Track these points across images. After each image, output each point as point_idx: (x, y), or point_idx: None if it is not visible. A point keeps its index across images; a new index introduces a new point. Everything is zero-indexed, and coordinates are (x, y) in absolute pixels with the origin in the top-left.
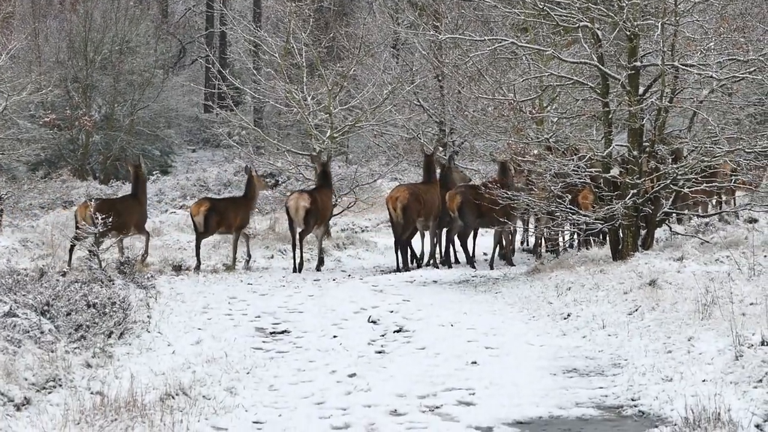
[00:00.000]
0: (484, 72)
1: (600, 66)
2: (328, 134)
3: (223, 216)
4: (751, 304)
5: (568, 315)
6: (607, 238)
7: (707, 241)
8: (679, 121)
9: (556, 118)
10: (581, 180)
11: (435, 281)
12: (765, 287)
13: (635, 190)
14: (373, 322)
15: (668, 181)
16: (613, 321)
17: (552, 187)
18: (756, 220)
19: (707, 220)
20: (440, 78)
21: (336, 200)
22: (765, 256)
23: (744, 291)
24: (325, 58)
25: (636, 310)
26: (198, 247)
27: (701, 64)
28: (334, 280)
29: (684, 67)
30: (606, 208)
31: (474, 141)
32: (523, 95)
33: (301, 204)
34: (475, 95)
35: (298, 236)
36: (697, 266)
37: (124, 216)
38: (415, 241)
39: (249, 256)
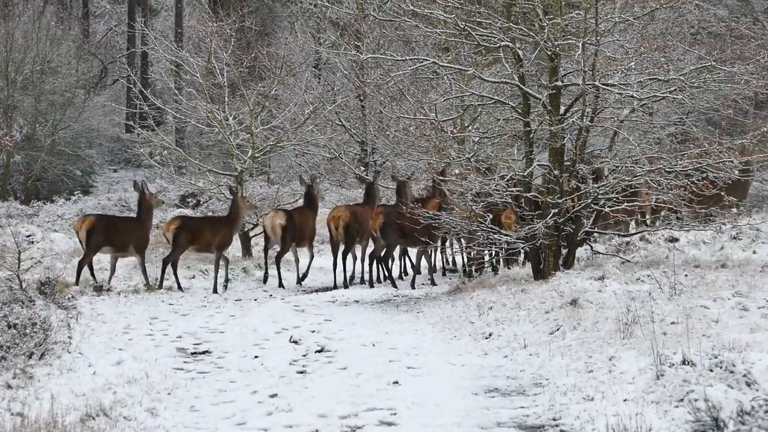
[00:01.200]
0: (406, 92)
1: (521, 86)
2: (249, 154)
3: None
4: (672, 323)
5: (490, 334)
6: (529, 258)
7: (628, 261)
8: (600, 140)
9: (478, 138)
10: (502, 200)
11: (357, 301)
12: (686, 306)
13: (556, 210)
14: (295, 342)
15: (589, 201)
16: (534, 340)
17: (473, 207)
18: (677, 240)
19: (628, 239)
20: (362, 98)
21: (258, 220)
22: (686, 275)
23: (665, 310)
24: (247, 77)
25: (557, 330)
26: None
27: (622, 84)
28: (255, 300)
29: (605, 87)
30: (527, 227)
31: (396, 160)
32: (444, 115)
33: (277, 222)
34: (396, 115)
35: (276, 256)
36: (619, 285)
37: (124, 235)
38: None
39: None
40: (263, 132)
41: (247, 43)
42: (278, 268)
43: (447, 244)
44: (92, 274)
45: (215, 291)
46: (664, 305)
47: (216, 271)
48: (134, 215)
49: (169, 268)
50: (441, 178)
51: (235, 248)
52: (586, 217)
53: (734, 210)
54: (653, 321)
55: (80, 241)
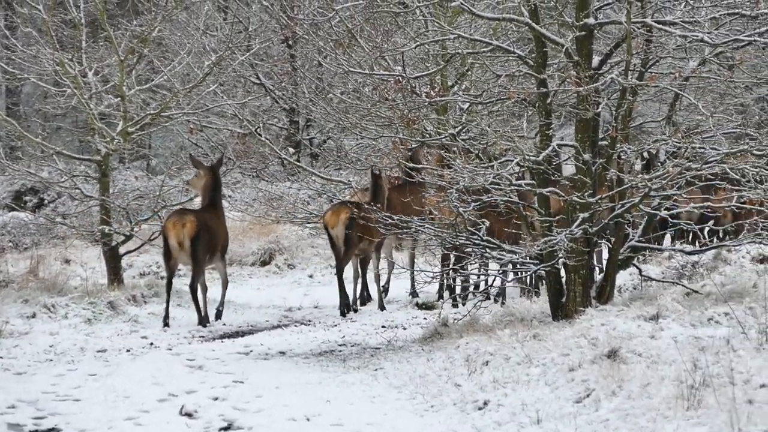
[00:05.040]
0: (358, 34)
1: (533, 24)
2: (119, 128)
3: None
4: (762, 386)
5: (485, 403)
6: (545, 286)
7: (696, 291)
8: (654, 107)
9: (467, 104)
10: (505, 198)
11: (283, 352)
12: None
13: (587, 213)
14: (188, 414)
15: (637, 200)
16: (553, 412)
17: (461, 209)
18: None
19: (696, 258)
20: (291, 43)
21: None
22: None
23: (752, 367)
24: (116, 12)
25: (588, 396)
26: None
27: (686, 22)
28: (128, 350)
29: (660, 27)
30: (543, 240)
31: (342, 138)
32: (417, 69)
33: (187, 230)
34: (344, 69)
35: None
36: (681, 329)
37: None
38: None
39: None
40: (140, 95)
41: None
42: (195, 298)
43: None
44: None
45: None
46: (749, 359)
47: None
48: None
49: None
50: (410, 165)
51: (97, 273)
52: (633, 225)
53: None
54: (733, 383)
55: None
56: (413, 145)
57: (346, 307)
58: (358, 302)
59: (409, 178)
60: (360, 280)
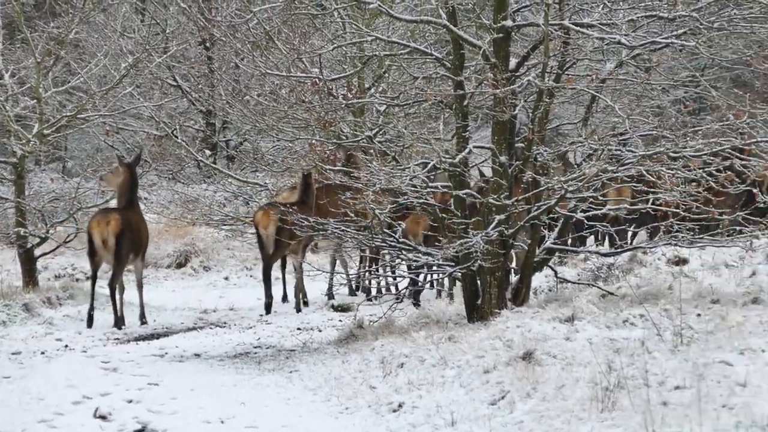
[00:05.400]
0: (276, 35)
1: (451, 26)
2: (35, 130)
3: None
4: (677, 388)
5: (400, 405)
6: (461, 288)
7: (611, 293)
8: (571, 110)
9: (384, 106)
10: (421, 200)
11: (198, 355)
12: (697, 363)
13: (503, 216)
14: (102, 417)
15: (553, 202)
16: (467, 414)
17: (378, 212)
18: (685, 261)
19: (612, 260)
20: (208, 45)
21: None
22: (698, 316)
23: (666, 368)
24: (33, 14)
25: (502, 398)
26: None
27: (604, 24)
28: (42, 353)
29: (578, 29)
30: (459, 242)
31: (259, 140)
32: (334, 71)
33: (111, 228)
34: (261, 71)
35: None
36: (596, 331)
37: None
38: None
39: None
40: (57, 97)
41: None
42: (113, 298)
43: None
44: None
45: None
46: (664, 361)
47: None
48: None
49: None
50: (334, 168)
51: (12, 275)
52: (549, 227)
53: None
54: (648, 385)
55: None
56: (330, 149)
57: (268, 307)
58: (301, 302)
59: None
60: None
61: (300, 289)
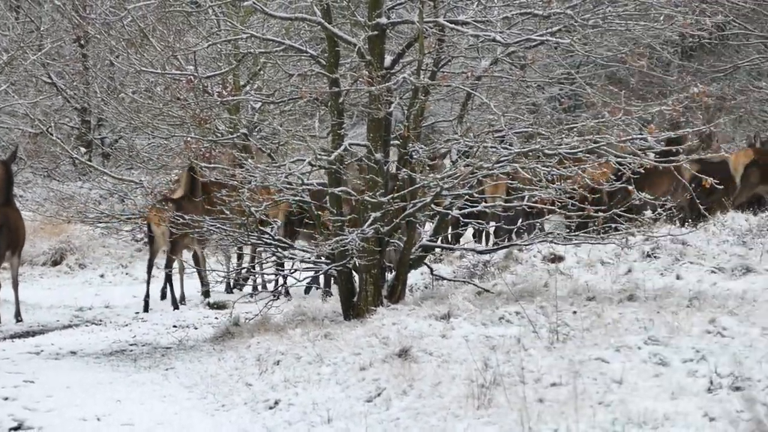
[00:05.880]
0: (150, 33)
1: (326, 24)
2: None
3: None
4: (553, 384)
5: (276, 403)
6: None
7: (487, 291)
8: (446, 107)
9: (259, 104)
10: (297, 198)
11: (74, 352)
12: (573, 360)
13: (378, 213)
14: None
15: (428, 200)
16: (343, 411)
17: (254, 209)
18: (561, 258)
19: (488, 257)
20: (82, 42)
21: None
22: (574, 313)
23: (542, 365)
24: None
25: (378, 395)
26: None
27: (479, 21)
28: None
29: (453, 26)
30: (334, 239)
31: (134, 138)
32: (208, 68)
33: None
34: (135, 68)
35: None
36: (473, 328)
37: None
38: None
39: None
40: None
41: None
42: None
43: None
44: None
45: None
46: (540, 358)
47: None
48: None
49: None
50: (209, 165)
51: None
52: (424, 225)
53: (649, 213)
54: (524, 382)
55: None
56: (205, 146)
57: (146, 304)
58: (178, 299)
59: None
60: (180, 276)
61: (181, 285)
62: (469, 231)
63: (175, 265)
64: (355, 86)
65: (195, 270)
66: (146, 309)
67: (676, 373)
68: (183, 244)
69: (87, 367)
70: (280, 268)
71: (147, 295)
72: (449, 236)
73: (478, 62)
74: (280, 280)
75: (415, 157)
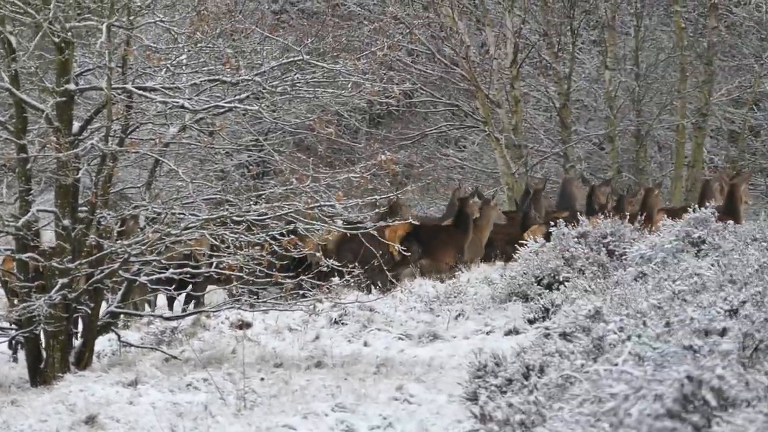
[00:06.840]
0: None
1: (13, 89)
2: None
3: None
4: None
5: None
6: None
7: (175, 357)
8: (135, 173)
9: None
10: None
11: None
12: (260, 427)
13: (66, 279)
14: None
15: (116, 266)
16: None
17: None
18: (249, 325)
19: (175, 323)
20: None
21: None
22: (262, 380)
23: None
24: None
25: None
26: None
27: (167, 88)
28: None
29: (141, 93)
30: (21, 306)
31: None
32: None
33: None
34: None
35: None
36: (160, 395)
37: None
38: None
39: None
40: None
41: None
42: None
43: None
44: None
45: None
46: (228, 425)
47: None
48: None
49: None
50: None
51: None
52: (113, 291)
53: (337, 280)
54: None
55: None
56: None
57: None
58: None
59: None
60: None
61: None
62: (162, 298)
63: None
64: (43, 152)
65: None
66: None
67: None
68: None
69: None
70: None
71: None
72: (136, 303)
73: (167, 129)
74: None
75: (103, 223)
